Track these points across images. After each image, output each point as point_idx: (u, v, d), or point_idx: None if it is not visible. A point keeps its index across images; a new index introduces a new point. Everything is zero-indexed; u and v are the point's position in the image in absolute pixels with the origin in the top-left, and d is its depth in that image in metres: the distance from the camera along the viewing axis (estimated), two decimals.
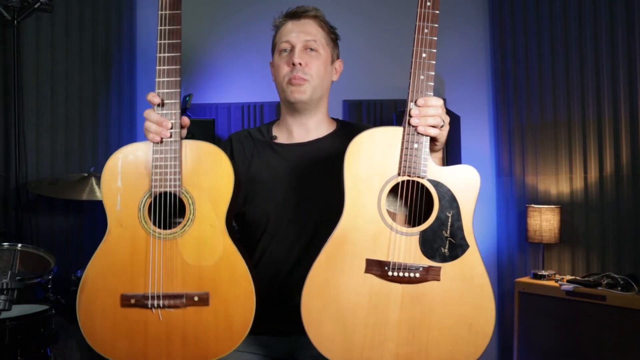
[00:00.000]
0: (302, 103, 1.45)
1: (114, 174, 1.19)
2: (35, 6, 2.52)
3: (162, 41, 1.16)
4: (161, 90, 1.17)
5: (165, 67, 1.16)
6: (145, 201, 1.18)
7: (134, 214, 1.17)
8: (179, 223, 1.18)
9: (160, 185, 1.16)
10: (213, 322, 1.15)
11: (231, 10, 3.48)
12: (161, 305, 1.15)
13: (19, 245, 2.06)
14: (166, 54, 1.16)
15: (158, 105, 1.17)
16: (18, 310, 1.80)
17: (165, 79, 1.17)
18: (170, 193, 1.17)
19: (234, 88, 3.44)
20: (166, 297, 1.15)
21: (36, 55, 2.85)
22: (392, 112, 3.28)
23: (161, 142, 1.16)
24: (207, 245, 1.17)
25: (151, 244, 1.16)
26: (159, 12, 1.16)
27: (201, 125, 2.92)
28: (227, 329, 1.15)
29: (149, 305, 1.15)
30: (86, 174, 2.56)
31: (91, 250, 1.19)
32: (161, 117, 1.16)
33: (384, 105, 3.34)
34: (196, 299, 1.15)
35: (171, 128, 1.16)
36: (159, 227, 1.17)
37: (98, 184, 2.50)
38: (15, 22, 2.55)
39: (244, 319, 1.15)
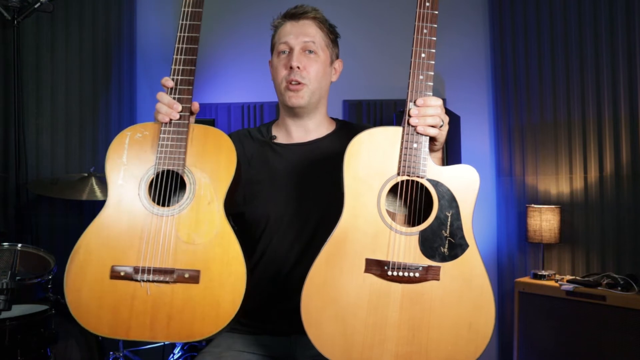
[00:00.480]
0: (300, 108, 1.46)
1: (121, 149, 1.21)
2: (35, 6, 2.52)
3: (182, 34, 1.23)
4: (176, 77, 1.21)
5: (182, 57, 1.23)
6: (148, 178, 1.19)
7: (134, 189, 1.19)
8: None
9: (164, 164, 1.19)
10: (200, 301, 1.14)
11: (231, 10, 3.48)
12: (150, 280, 1.14)
13: (19, 245, 2.06)
14: (184, 45, 1.23)
15: (171, 89, 1.21)
16: (18, 310, 1.80)
17: (181, 67, 1.22)
18: (172, 172, 1.19)
19: (234, 88, 3.44)
20: (156, 271, 1.14)
21: (36, 55, 2.86)
22: (392, 112, 3.28)
23: (170, 123, 1.19)
24: (203, 224, 1.17)
25: (148, 220, 1.17)
26: (182, 9, 1.25)
27: None
28: (214, 310, 1.14)
29: (139, 279, 1.14)
30: (86, 174, 2.55)
31: None
32: (172, 100, 1.20)
33: (383, 105, 3.34)
34: (187, 275, 1.14)
35: (181, 111, 1.19)
36: (159, 204, 1.19)
37: (98, 184, 2.50)
38: (15, 22, 2.55)
39: (232, 301, 1.14)
